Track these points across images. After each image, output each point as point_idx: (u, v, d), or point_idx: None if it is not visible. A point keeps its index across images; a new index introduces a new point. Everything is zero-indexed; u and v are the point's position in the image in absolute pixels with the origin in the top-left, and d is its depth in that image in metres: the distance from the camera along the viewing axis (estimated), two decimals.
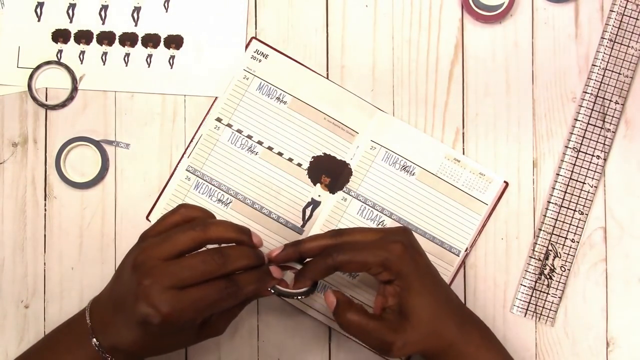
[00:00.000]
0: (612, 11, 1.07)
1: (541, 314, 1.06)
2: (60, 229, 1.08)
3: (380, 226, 1.06)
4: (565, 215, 1.06)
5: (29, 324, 1.08)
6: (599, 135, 1.06)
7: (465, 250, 1.06)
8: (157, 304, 0.84)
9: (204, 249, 0.88)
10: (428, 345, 0.92)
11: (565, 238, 1.06)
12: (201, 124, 1.08)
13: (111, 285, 0.93)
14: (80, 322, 0.93)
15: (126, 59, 1.09)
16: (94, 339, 0.91)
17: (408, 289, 0.92)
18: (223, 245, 0.90)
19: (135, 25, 1.09)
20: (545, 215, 1.06)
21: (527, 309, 1.06)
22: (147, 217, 1.07)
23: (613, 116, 1.06)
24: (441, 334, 0.92)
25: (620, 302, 1.06)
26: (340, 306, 0.93)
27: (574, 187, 1.06)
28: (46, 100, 1.08)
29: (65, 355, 0.93)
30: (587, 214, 1.06)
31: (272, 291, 0.93)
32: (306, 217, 1.07)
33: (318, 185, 1.07)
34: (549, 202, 1.06)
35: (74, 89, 1.08)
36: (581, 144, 1.06)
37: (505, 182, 1.07)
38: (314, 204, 1.07)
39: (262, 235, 1.06)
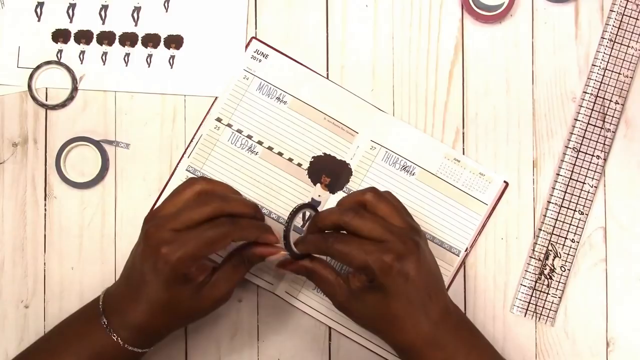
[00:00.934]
0: (612, 11, 1.07)
1: (541, 314, 1.06)
2: (60, 229, 1.08)
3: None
4: (565, 215, 1.06)
5: (29, 324, 1.08)
6: (599, 135, 1.06)
7: (465, 250, 1.06)
8: (165, 246, 0.89)
9: None
10: (375, 333, 0.96)
11: (565, 238, 1.06)
12: (201, 124, 1.08)
13: (124, 271, 0.96)
14: (92, 306, 0.96)
15: (126, 59, 1.09)
16: (103, 318, 0.93)
17: (373, 290, 0.92)
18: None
19: (136, 25, 1.09)
20: (545, 215, 1.06)
21: (527, 309, 1.06)
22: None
23: (613, 116, 1.06)
24: (394, 334, 0.93)
25: (620, 302, 1.06)
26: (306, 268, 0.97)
27: (574, 187, 1.06)
28: (46, 100, 1.08)
29: (74, 337, 0.95)
30: (587, 214, 1.06)
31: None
32: (306, 217, 1.07)
33: (318, 185, 1.07)
34: (549, 202, 1.06)
35: (74, 89, 1.08)
36: (581, 144, 1.06)
37: (505, 182, 1.07)
38: (314, 204, 1.07)
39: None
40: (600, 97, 1.06)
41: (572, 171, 1.06)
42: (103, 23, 1.09)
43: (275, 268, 0.98)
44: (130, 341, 0.93)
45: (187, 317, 0.96)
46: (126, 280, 0.95)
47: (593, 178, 1.06)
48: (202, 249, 0.89)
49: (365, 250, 0.89)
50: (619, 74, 1.06)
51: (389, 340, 0.94)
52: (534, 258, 1.06)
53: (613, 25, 1.07)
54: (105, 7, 1.09)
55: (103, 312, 0.94)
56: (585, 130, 1.06)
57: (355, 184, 1.07)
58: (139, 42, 1.09)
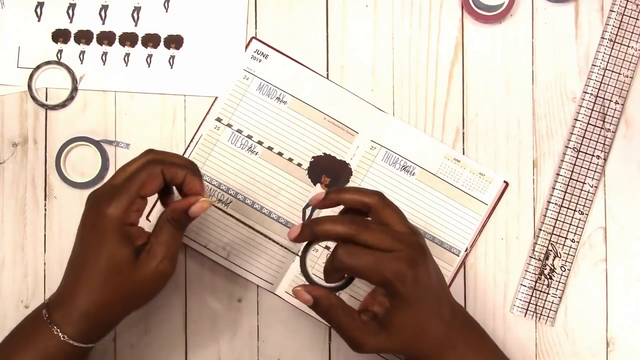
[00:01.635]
0: (612, 11, 1.07)
1: (541, 314, 1.06)
2: (60, 229, 1.08)
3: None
4: (565, 215, 1.06)
5: None
6: (599, 135, 1.06)
7: (465, 250, 1.06)
8: (103, 200, 0.91)
9: None
10: (403, 351, 0.92)
11: (565, 238, 1.06)
12: (201, 124, 1.08)
13: (67, 265, 0.95)
14: (37, 310, 0.95)
15: (126, 59, 1.09)
16: (46, 316, 0.92)
17: (398, 307, 0.89)
18: None
19: (135, 25, 1.09)
20: (545, 215, 1.06)
21: (527, 309, 1.06)
22: (147, 217, 1.07)
23: (613, 116, 1.06)
24: (419, 344, 0.91)
25: (620, 302, 1.06)
26: (319, 301, 0.92)
27: (574, 187, 1.06)
28: (46, 100, 1.08)
29: (20, 342, 0.93)
30: (587, 214, 1.06)
31: (303, 276, 0.95)
32: (306, 217, 1.07)
33: (318, 185, 1.07)
34: (549, 202, 1.06)
35: (74, 89, 1.08)
36: (581, 144, 1.06)
37: (505, 182, 1.07)
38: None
39: (263, 235, 1.06)
40: (600, 97, 1.06)
41: (572, 171, 1.06)
42: (103, 23, 1.09)
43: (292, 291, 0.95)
44: (75, 336, 0.91)
45: (130, 294, 0.92)
46: (68, 268, 0.94)
47: (593, 178, 1.06)
48: (134, 190, 0.90)
49: (379, 260, 0.88)
50: (619, 74, 1.06)
51: (413, 352, 0.92)
52: (534, 258, 1.06)
53: (613, 25, 1.07)
54: (105, 7, 1.09)
55: (47, 312, 0.92)
56: (585, 130, 1.06)
57: (355, 184, 1.07)
58: (139, 42, 1.09)
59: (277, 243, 1.07)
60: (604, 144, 1.06)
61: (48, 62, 1.08)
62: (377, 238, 0.89)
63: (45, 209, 1.08)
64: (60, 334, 0.91)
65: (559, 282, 1.05)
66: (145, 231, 0.94)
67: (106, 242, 0.90)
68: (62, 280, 0.94)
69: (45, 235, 1.08)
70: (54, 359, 0.92)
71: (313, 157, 1.07)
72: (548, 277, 1.05)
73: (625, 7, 1.07)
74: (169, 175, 0.92)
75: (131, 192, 0.90)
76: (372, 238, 0.88)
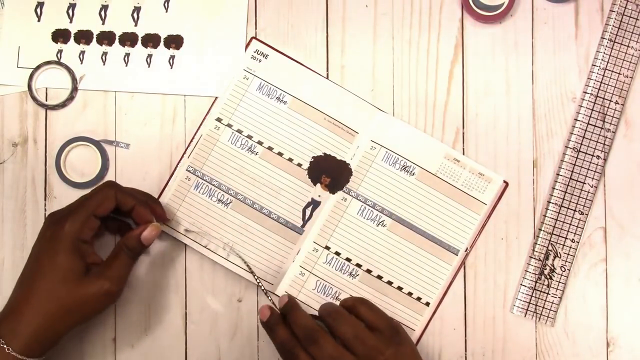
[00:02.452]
0: (612, 11, 1.07)
1: (541, 314, 1.06)
2: None
3: (380, 227, 1.06)
4: (565, 215, 1.06)
5: None
6: (599, 135, 1.06)
7: (465, 250, 1.06)
8: (60, 216, 0.98)
9: None
10: None
11: (565, 238, 1.06)
12: (201, 124, 1.08)
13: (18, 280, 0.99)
14: None
15: (126, 59, 1.09)
16: None
17: None
18: None
19: (135, 25, 1.09)
20: (545, 215, 1.06)
21: (527, 309, 1.06)
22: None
23: (613, 116, 1.06)
24: None
25: (620, 302, 1.06)
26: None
27: (574, 187, 1.06)
28: (46, 100, 1.08)
29: None
30: (587, 214, 1.06)
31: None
32: (306, 217, 1.07)
33: (318, 185, 1.07)
34: (549, 202, 1.06)
35: (74, 89, 1.08)
36: (581, 144, 1.06)
37: (505, 182, 1.07)
38: (314, 204, 1.07)
39: (262, 235, 1.07)
40: (600, 97, 1.06)
41: (572, 171, 1.06)
42: (103, 23, 1.09)
43: None
44: (20, 349, 0.93)
45: (73, 307, 0.95)
46: (18, 283, 0.98)
47: (593, 178, 1.06)
48: (90, 209, 0.98)
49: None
50: (619, 74, 1.06)
51: None
52: (534, 258, 1.06)
53: (613, 25, 1.07)
54: (105, 7, 1.09)
55: None
56: (585, 130, 1.06)
57: (355, 184, 1.07)
58: (139, 42, 1.09)
59: (277, 243, 1.07)
60: (604, 144, 1.06)
61: (48, 62, 1.08)
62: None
63: (45, 209, 1.08)
64: (5, 346, 0.92)
65: (559, 282, 1.06)
66: (95, 253, 1.00)
67: (59, 253, 0.95)
68: (11, 295, 0.97)
69: None
70: None
71: (313, 157, 1.07)
72: (548, 277, 1.05)
73: (625, 7, 1.07)
74: (120, 199, 0.99)
75: (87, 210, 0.98)
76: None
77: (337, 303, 1.05)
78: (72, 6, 1.09)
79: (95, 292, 0.95)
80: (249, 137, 1.07)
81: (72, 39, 1.09)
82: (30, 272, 0.97)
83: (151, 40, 1.09)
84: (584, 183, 1.06)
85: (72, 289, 0.95)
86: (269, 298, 1.03)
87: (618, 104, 1.06)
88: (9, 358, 0.92)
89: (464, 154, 1.07)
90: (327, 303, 1.01)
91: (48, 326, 0.95)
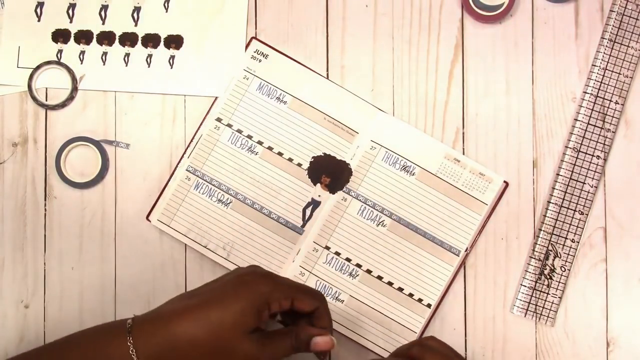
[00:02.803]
0: (612, 11, 1.07)
1: (541, 314, 1.06)
2: (60, 229, 1.08)
3: (380, 227, 1.06)
4: (565, 215, 1.06)
5: (29, 324, 1.08)
6: (599, 135, 1.06)
7: (466, 250, 1.06)
8: (266, 277, 0.95)
9: None
10: None
11: (565, 238, 1.06)
12: (201, 124, 1.08)
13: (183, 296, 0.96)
14: (117, 323, 0.94)
15: (126, 59, 1.09)
16: (129, 320, 0.92)
17: None
18: None
19: (135, 25, 1.09)
20: (545, 215, 1.06)
21: (527, 309, 1.06)
22: (147, 217, 1.07)
23: (613, 116, 1.06)
24: None
25: (620, 302, 1.06)
26: None
27: (574, 187, 1.06)
28: (46, 100, 1.08)
29: (89, 348, 0.93)
30: (587, 214, 1.06)
31: None
32: (306, 217, 1.07)
33: (318, 185, 1.07)
34: (549, 202, 1.06)
35: (74, 89, 1.08)
36: (581, 144, 1.06)
37: (505, 182, 1.07)
38: (314, 204, 1.07)
39: (262, 235, 1.07)
40: (600, 97, 1.06)
41: (572, 171, 1.06)
42: (103, 23, 1.09)
43: None
44: (142, 356, 0.90)
45: (219, 353, 0.92)
46: (186, 297, 0.94)
47: (593, 178, 1.06)
48: (292, 292, 0.94)
49: None
50: (619, 74, 1.06)
51: None
52: (534, 258, 1.06)
53: (613, 25, 1.07)
54: (105, 7, 1.09)
55: (132, 321, 0.92)
56: (585, 130, 1.06)
57: (355, 184, 1.07)
58: (139, 42, 1.09)
59: (277, 243, 1.07)
60: (604, 144, 1.06)
61: (48, 62, 1.08)
62: None
63: (45, 209, 1.08)
64: (131, 346, 0.90)
65: (559, 282, 1.05)
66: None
67: (245, 301, 0.91)
68: (167, 303, 0.94)
69: (45, 235, 1.08)
70: None
71: (313, 157, 1.07)
72: (548, 277, 1.05)
73: (625, 7, 1.06)
74: (321, 311, 0.97)
75: (292, 292, 0.94)
76: None
77: (337, 303, 1.06)
78: (72, 6, 1.09)
79: (246, 355, 0.92)
80: (249, 137, 1.07)
81: (72, 39, 1.09)
82: (208, 295, 0.93)
83: (151, 40, 1.09)
84: (584, 183, 1.06)
85: (233, 337, 0.91)
86: None
87: (618, 104, 1.06)
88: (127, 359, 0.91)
89: (464, 154, 1.07)
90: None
91: (179, 350, 0.91)
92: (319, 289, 1.06)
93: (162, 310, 0.93)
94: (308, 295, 0.95)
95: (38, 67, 1.08)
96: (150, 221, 1.07)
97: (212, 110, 1.08)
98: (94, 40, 1.09)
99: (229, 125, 1.07)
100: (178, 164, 1.07)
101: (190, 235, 1.07)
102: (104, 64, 1.09)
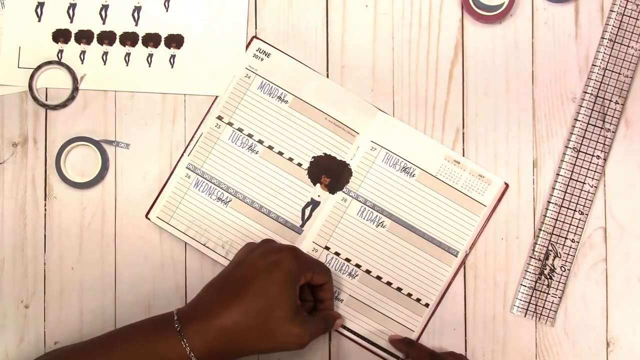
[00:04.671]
0: (612, 11, 1.07)
1: (541, 314, 1.06)
2: (60, 229, 1.08)
3: (380, 228, 1.06)
4: (565, 215, 1.06)
5: (29, 324, 1.08)
6: (599, 135, 1.06)
7: (465, 252, 1.06)
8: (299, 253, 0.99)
9: None
10: None
11: (565, 238, 1.06)
12: (202, 122, 1.08)
13: (218, 280, 0.98)
14: (165, 316, 0.95)
15: (127, 58, 1.09)
16: (177, 325, 0.93)
17: None
18: None
19: (136, 24, 1.09)
20: (545, 216, 1.06)
21: (527, 309, 1.06)
22: (146, 216, 1.07)
23: (613, 116, 1.06)
24: None
25: (620, 302, 1.06)
26: None
27: (574, 187, 1.06)
28: (46, 100, 1.08)
29: (138, 340, 0.93)
30: (587, 214, 1.06)
31: None
32: (305, 216, 1.07)
33: (318, 185, 1.07)
34: (549, 202, 1.06)
35: (75, 88, 1.08)
36: (581, 144, 1.06)
37: (505, 183, 1.07)
38: (314, 204, 1.07)
39: (262, 234, 1.07)
40: (600, 97, 1.06)
41: (572, 171, 1.06)
42: (103, 23, 1.09)
43: None
44: (202, 354, 0.92)
45: (269, 336, 0.94)
46: (221, 286, 0.96)
47: (593, 178, 1.06)
48: (317, 265, 1.01)
49: None
50: (619, 74, 1.06)
51: None
52: (534, 258, 1.06)
53: (613, 25, 1.07)
54: (105, 7, 1.09)
55: (179, 322, 0.93)
56: (585, 130, 1.06)
57: (355, 185, 1.07)
58: (140, 41, 1.09)
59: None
60: (604, 144, 1.06)
61: (49, 62, 1.08)
62: None
63: (45, 209, 1.08)
64: (187, 348, 0.91)
65: (559, 282, 1.05)
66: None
67: (288, 282, 0.95)
68: (203, 296, 0.96)
69: (45, 235, 1.08)
70: None
71: (313, 157, 1.07)
72: (548, 277, 1.05)
73: (625, 7, 1.07)
74: (328, 285, 1.04)
75: (310, 267, 0.99)
76: None
77: (337, 302, 1.06)
78: (73, 6, 1.09)
79: (297, 334, 0.95)
80: (250, 135, 1.07)
81: (72, 39, 1.09)
82: (244, 283, 0.95)
83: (152, 40, 1.09)
84: (584, 183, 1.06)
85: (282, 319, 0.94)
86: None
87: (618, 104, 1.06)
88: None
89: (463, 154, 1.07)
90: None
91: (237, 342, 0.93)
92: None
93: (206, 304, 0.95)
94: (324, 270, 1.02)
95: (39, 67, 1.08)
96: (149, 219, 1.07)
97: (213, 108, 1.08)
98: (95, 40, 1.09)
99: (230, 124, 1.08)
100: (178, 161, 1.07)
101: (189, 233, 1.07)
102: (104, 64, 1.09)
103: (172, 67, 1.08)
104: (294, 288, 0.95)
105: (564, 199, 1.06)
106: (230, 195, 1.07)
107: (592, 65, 1.07)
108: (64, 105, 1.08)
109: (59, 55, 1.09)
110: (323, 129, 1.07)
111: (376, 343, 1.06)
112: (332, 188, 1.07)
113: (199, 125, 1.08)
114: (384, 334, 1.06)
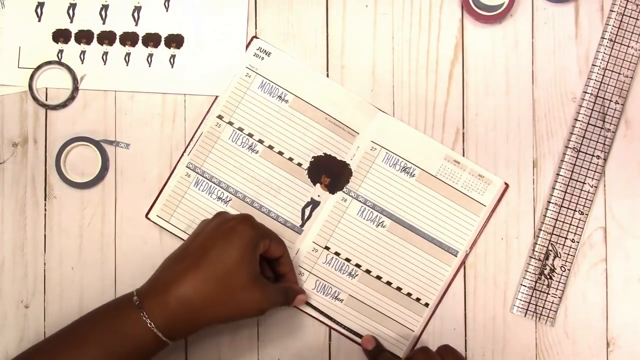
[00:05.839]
0: (612, 11, 1.07)
1: (541, 314, 1.06)
2: (60, 229, 1.08)
3: (380, 228, 1.06)
4: (565, 215, 1.06)
5: (29, 324, 1.08)
6: (599, 135, 1.06)
7: (465, 252, 1.06)
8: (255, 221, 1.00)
9: None
10: None
11: (565, 238, 1.06)
12: (202, 121, 1.08)
13: (179, 251, 0.98)
14: (124, 297, 0.96)
15: (127, 58, 1.09)
16: (135, 297, 0.93)
17: None
18: None
19: (136, 24, 1.09)
20: (545, 215, 1.06)
21: (527, 309, 1.06)
22: (146, 216, 1.07)
23: (613, 116, 1.06)
24: None
25: (620, 302, 1.06)
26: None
27: (574, 187, 1.06)
28: (47, 100, 1.08)
29: (102, 323, 0.94)
30: (587, 214, 1.06)
31: None
32: (305, 216, 1.07)
33: (318, 185, 1.07)
34: (549, 202, 1.06)
35: (75, 88, 1.08)
36: (581, 144, 1.06)
37: (505, 183, 1.07)
38: (314, 204, 1.07)
39: None
40: (600, 97, 1.06)
41: (572, 171, 1.06)
42: (103, 23, 1.09)
43: None
44: (163, 326, 0.92)
45: (230, 302, 0.95)
46: (177, 258, 0.96)
47: (593, 178, 1.06)
48: (273, 235, 1.01)
49: None
50: (619, 74, 1.06)
51: None
52: (534, 258, 1.06)
53: (613, 25, 1.07)
54: (105, 7, 1.09)
55: (138, 298, 0.93)
56: (585, 130, 1.06)
57: (355, 185, 1.07)
58: (140, 41, 1.09)
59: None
60: (604, 144, 1.06)
61: (49, 62, 1.08)
62: None
63: (45, 209, 1.08)
64: (148, 320, 0.91)
65: (559, 282, 1.05)
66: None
67: (248, 249, 0.95)
68: (161, 270, 0.96)
69: (45, 235, 1.08)
70: (134, 347, 0.92)
71: (313, 157, 1.07)
72: (548, 277, 1.05)
73: (625, 7, 1.07)
74: (285, 257, 1.04)
75: (267, 235, 1.00)
76: None
77: (336, 302, 1.06)
78: (73, 6, 1.09)
79: (257, 299, 0.96)
80: (250, 135, 1.07)
81: (72, 39, 1.09)
82: (200, 252, 0.95)
83: (152, 40, 1.09)
84: (584, 183, 1.06)
85: (242, 283, 0.94)
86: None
87: (618, 104, 1.06)
88: (148, 333, 0.92)
89: (463, 154, 1.07)
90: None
91: (198, 310, 0.93)
92: (318, 288, 1.06)
93: (163, 278, 0.95)
94: (280, 241, 1.03)
95: (39, 67, 1.08)
96: (149, 218, 1.07)
97: (213, 107, 1.08)
98: (95, 40, 1.09)
99: (230, 123, 1.08)
100: (179, 160, 1.08)
101: (189, 232, 1.07)
102: (104, 64, 1.09)
103: (172, 67, 1.08)
104: (253, 254, 0.96)
105: (564, 199, 1.06)
106: (230, 195, 1.07)
107: (592, 65, 1.07)
108: (64, 105, 1.08)
109: (59, 55, 1.09)
110: (323, 129, 1.07)
111: None
112: (332, 188, 1.07)
113: (200, 124, 1.08)
114: (384, 333, 1.06)
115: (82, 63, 1.09)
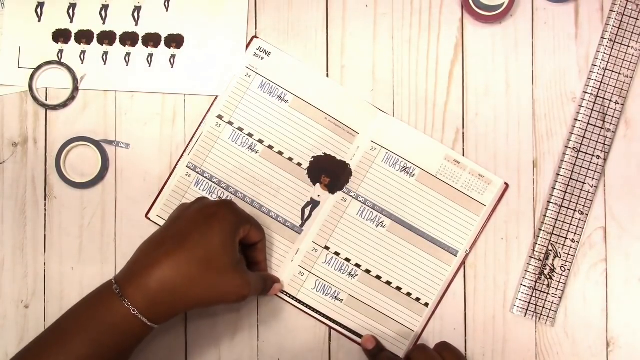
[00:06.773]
0: (612, 11, 1.07)
1: (541, 314, 1.05)
2: (60, 229, 1.08)
3: (379, 228, 1.06)
4: (565, 215, 1.06)
5: (29, 324, 1.08)
6: (599, 135, 1.06)
7: (465, 252, 1.06)
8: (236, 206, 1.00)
9: None
10: None
11: (565, 238, 1.06)
12: (202, 121, 1.08)
13: (160, 231, 0.97)
14: (104, 286, 0.95)
15: (127, 58, 1.09)
16: (114, 285, 0.93)
17: None
18: None
19: (136, 24, 1.09)
20: (545, 215, 1.06)
21: (527, 309, 1.06)
22: (146, 216, 1.07)
23: (613, 116, 1.06)
24: None
25: (620, 302, 1.06)
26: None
27: (574, 187, 1.06)
28: (46, 100, 1.08)
29: (85, 316, 0.93)
30: (587, 214, 1.06)
31: None
32: (305, 216, 1.07)
33: (318, 185, 1.07)
34: (549, 202, 1.06)
35: (75, 88, 1.08)
36: (581, 144, 1.06)
37: (505, 183, 1.07)
38: (313, 203, 1.07)
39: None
40: (600, 97, 1.06)
41: (572, 171, 1.06)
42: (104, 23, 1.09)
43: None
44: (145, 309, 0.91)
45: (211, 287, 0.94)
46: (156, 242, 0.95)
47: (593, 178, 1.06)
48: (253, 220, 1.00)
49: None
50: (619, 74, 1.06)
51: None
52: (534, 258, 1.06)
53: (613, 25, 1.07)
54: (105, 7, 1.09)
55: (117, 285, 0.92)
56: (585, 130, 1.06)
57: (355, 185, 1.07)
58: (140, 41, 1.09)
59: (276, 242, 1.07)
60: (604, 144, 1.06)
61: (49, 62, 1.08)
62: None
63: (45, 209, 1.08)
64: (130, 306, 0.91)
65: (559, 282, 1.05)
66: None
67: (222, 232, 0.95)
68: (139, 255, 0.95)
69: (45, 235, 1.08)
70: (121, 336, 0.92)
71: (313, 157, 1.07)
72: (548, 277, 1.05)
73: (625, 7, 1.07)
74: (262, 244, 1.05)
75: (247, 221, 0.99)
76: None
77: (336, 302, 1.06)
78: (73, 6, 1.09)
79: (239, 284, 0.95)
80: (250, 135, 1.07)
81: (72, 39, 1.09)
82: (180, 236, 0.94)
83: (152, 40, 1.09)
84: (584, 183, 1.06)
85: (223, 267, 0.94)
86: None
87: (618, 104, 1.06)
88: (131, 319, 0.91)
89: (463, 154, 1.07)
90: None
91: (179, 293, 0.92)
92: (318, 288, 1.06)
93: (143, 261, 0.94)
94: (260, 227, 1.03)
95: (39, 67, 1.08)
96: (149, 218, 1.07)
97: (213, 107, 1.08)
98: (95, 40, 1.09)
99: (230, 123, 1.08)
100: (179, 160, 1.07)
101: None
102: (104, 64, 1.09)
103: (172, 67, 1.08)
104: (233, 239, 0.95)
105: (564, 199, 1.06)
106: (230, 195, 1.07)
107: (592, 65, 1.07)
108: (64, 105, 1.08)
109: (59, 55, 1.09)
110: (323, 129, 1.07)
111: None
112: (332, 188, 1.07)
113: (200, 124, 1.08)
114: (384, 333, 1.06)
115: (82, 63, 1.09)
